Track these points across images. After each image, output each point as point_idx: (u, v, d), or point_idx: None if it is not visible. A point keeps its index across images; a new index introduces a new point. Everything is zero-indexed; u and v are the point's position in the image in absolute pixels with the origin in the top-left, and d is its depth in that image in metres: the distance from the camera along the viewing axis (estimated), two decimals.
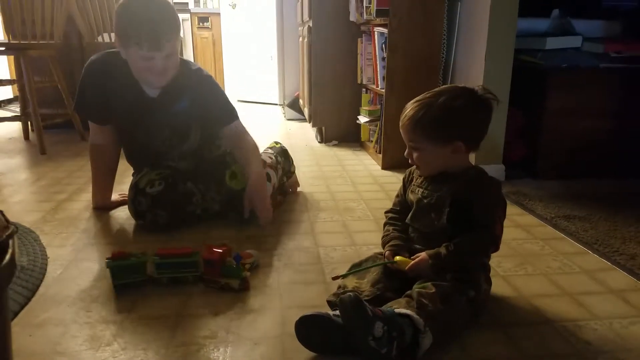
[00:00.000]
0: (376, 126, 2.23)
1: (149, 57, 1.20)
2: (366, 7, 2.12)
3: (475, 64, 1.80)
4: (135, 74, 1.29)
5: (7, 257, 0.44)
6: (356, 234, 1.35)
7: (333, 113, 2.59)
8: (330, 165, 2.13)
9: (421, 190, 0.96)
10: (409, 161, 0.97)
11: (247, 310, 0.95)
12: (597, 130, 1.87)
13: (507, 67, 1.75)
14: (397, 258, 0.93)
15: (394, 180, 1.88)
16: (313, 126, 2.70)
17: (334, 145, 2.55)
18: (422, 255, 0.90)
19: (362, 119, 2.31)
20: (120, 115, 1.38)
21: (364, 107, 2.33)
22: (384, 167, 2.04)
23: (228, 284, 1.01)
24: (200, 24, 5.40)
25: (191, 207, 1.40)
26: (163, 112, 1.36)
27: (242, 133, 1.45)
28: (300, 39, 3.17)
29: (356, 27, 2.43)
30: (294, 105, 3.45)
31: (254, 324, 0.91)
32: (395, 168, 2.00)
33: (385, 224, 1.05)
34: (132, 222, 1.41)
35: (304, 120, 3.29)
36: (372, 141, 2.30)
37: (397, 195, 1.06)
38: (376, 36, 2.08)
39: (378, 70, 2.11)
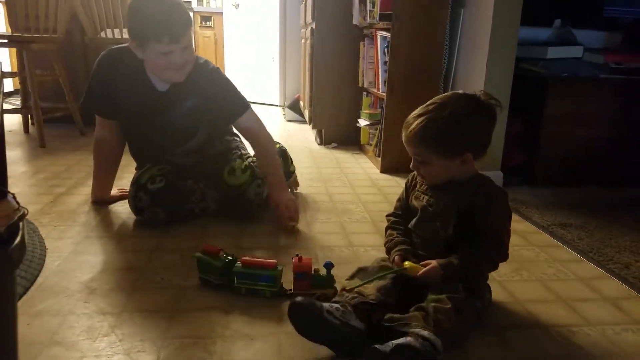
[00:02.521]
0: (376, 129, 2.24)
1: (168, 52, 1.22)
2: (369, 10, 2.13)
3: (477, 71, 1.82)
4: (154, 72, 1.30)
5: (18, 238, 0.45)
6: (353, 235, 1.36)
7: (333, 115, 2.60)
8: (329, 168, 2.13)
9: (426, 197, 0.95)
10: (415, 173, 0.97)
11: (244, 307, 0.96)
12: (595, 139, 1.89)
13: (508, 74, 1.76)
14: (407, 264, 0.90)
15: (393, 183, 1.89)
16: (313, 128, 2.71)
17: (334, 147, 2.56)
18: (433, 263, 0.88)
19: (362, 122, 2.32)
20: (128, 110, 1.39)
21: (365, 111, 2.34)
22: (383, 171, 2.05)
23: (325, 294, 0.95)
24: (203, 23, 5.42)
25: (190, 205, 1.41)
26: (171, 108, 1.36)
27: (257, 126, 1.44)
28: (303, 41, 3.18)
29: (359, 31, 2.44)
30: (294, 106, 3.46)
31: (250, 320, 0.92)
32: (394, 172, 2.01)
33: (387, 228, 1.04)
34: (131, 216, 1.41)
35: (304, 122, 3.30)
36: (371, 144, 2.31)
37: (399, 200, 1.06)
38: (379, 40, 2.09)
39: (379, 73, 2.12)
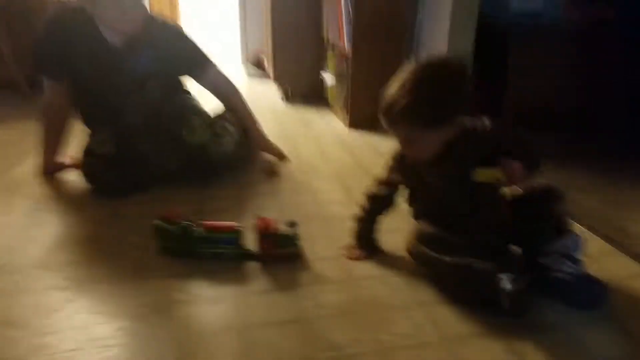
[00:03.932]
0: (343, 85, 2.18)
1: None
2: None
3: (440, 24, 1.77)
4: (107, 24, 1.27)
5: None
6: (319, 193, 1.34)
7: (297, 70, 2.51)
8: (294, 125, 2.08)
9: (441, 169, 0.90)
10: (403, 150, 0.91)
11: (205, 272, 0.94)
12: (558, 88, 1.91)
13: (471, 26, 1.73)
14: (480, 172, 0.85)
15: (359, 138, 1.86)
16: (276, 84, 2.62)
17: (298, 104, 2.50)
18: (514, 164, 0.83)
19: (328, 80, 2.25)
20: (82, 67, 1.31)
21: (330, 64, 2.26)
22: (350, 126, 2.02)
23: (289, 252, 0.95)
24: None
25: (149, 168, 1.34)
26: (127, 62, 1.31)
27: (226, 82, 1.51)
28: None
29: None
30: (255, 62, 3.34)
31: (212, 284, 0.90)
32: (362, 127, 1.99)
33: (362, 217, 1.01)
34: (86, 186, 1.34)
35: (267, 77, 3.19)
36: (337, 101, 2.26)
37: (384, 182, 0.99)
38: None
39: (344, 25, 2.03)
